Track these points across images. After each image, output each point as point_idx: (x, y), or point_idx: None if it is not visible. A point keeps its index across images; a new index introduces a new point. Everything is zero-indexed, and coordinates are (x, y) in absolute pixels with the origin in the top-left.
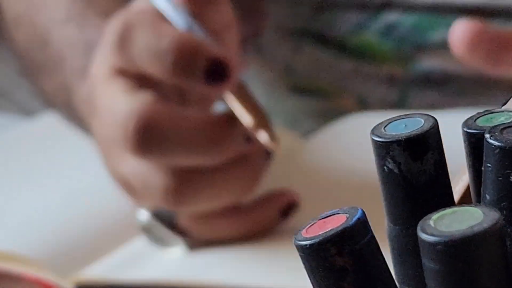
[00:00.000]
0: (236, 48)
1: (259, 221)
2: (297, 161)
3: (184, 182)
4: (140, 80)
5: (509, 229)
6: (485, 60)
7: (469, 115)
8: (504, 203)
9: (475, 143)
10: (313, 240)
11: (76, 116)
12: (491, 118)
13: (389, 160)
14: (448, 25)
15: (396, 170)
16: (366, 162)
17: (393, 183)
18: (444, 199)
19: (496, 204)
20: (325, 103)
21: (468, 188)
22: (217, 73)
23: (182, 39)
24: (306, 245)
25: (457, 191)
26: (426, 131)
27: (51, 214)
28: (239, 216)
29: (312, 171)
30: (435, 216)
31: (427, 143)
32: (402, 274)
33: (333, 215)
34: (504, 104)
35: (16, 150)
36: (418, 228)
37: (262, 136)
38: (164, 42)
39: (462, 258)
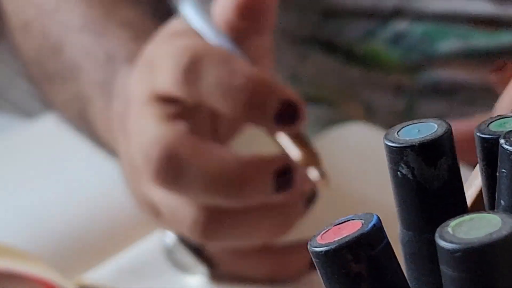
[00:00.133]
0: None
1: (288, 268)
2: None
3: (213, 217)
4: (178, 109)
5: None
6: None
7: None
8: None
9: (488, 148)
10: (328, 247)
11: (89, 128)
12: (504, 123)
13: (402, 165)
14: (458, 35)
15: (409, 176)
16: (366, 168)
17: (406, 188)
18: (457, 204)
19: (511, 209)
20: (332, 111)
21: (480, 193)
22: (287, 114)
23: (256, 78)
24: (321, 251)
25: (469, 195)
26: (440, 136)
27: (53, 214)
28: (268, 258)
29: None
30: (453, 223)
31: (441, 148)
32: (415, 280)
33: (348, 221)
34: None
35: (17, 151)
36: (436, 235)
37: (312, 173)
38: (237, 79)
39: (482, 265)
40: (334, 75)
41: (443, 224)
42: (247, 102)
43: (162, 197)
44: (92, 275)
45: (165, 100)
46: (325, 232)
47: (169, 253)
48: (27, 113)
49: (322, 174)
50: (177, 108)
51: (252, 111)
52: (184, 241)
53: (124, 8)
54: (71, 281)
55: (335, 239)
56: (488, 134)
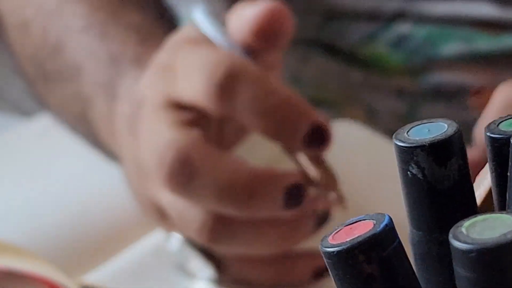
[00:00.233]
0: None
1: (293, 274)
2: None
3: (220, 223)
4: (191, 115)
5: None
6: None
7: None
8: None
9: (498, 148)
10: (340, 247)
11: (87, 129)
12: None
13: (413, 165)
14: (460, 38)
15: (420, 176)
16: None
17: (416, 188)
18: (467, 204)
19: None
20: (333, 114)
21: (489, 192)
22: (315, 137)
23: (290, 100)
24: (333, 252)
25: (478, 195)
26: (451, 136)
27: (52, 214)
28: (273, 263)
29: None
30: (466, 223)
31: (452, 148)
32: (424, 280)
33: (359, 221)
34: None
35: (13, 150)
36: (450, 235)
37: (329, 196)
38: (271, 99)
39: (496, 266)
40: (336, 78)
41: (456, 225)
42: (279, 123)
43: (171, 200)
44: (93, 276)
45: (180, 106)
46: (337, 232)
47: (174, 257)
48: (24, 112)
49: (339, 197)
50: (191, 115)
51: (283, 132)
52: (192, 243)
53: (130, 12)
54: (72, 282)
55: (347, 239)
56: (498, 134)
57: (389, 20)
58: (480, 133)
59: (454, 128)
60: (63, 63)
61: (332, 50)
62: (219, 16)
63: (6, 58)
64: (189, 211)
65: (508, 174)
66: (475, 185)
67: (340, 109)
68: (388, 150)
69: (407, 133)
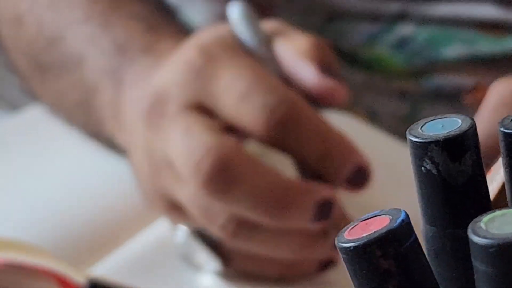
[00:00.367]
0: None
1: (298, 268)
2: None
3: (245, 223)
4: (223, 123)
5: None
6: None
7: None
8: None
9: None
10: (357, 242)
11: (88, 118)
12: None
13: (427, 160)
14: (462, 40)
15: (434, 171)
16: None
17: (430, 183)
18: (481, 199)
19: None
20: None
21: (502, 187)
22: (358, 177)
23: (341, 140)
24: (350, 247)
25: (491, 190)
26: (465, 131)
27: (52, 208)
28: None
29: None
30: (485, 218)
31: (466, 144)
32: (438, 276)
33: (375, 216)
34: None
35: (3, 144)
36: (469, 230)
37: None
38: (325, 141)
39: None
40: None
41: (475, 220)
42: (328, 162)
43: (194, 197)
44: (99, 268)
45: (209, 111)
46: (353, 227)
47: (181, 248)
48: (16, 107)
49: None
50: (222, 122)
51: (329, 169)
52: (199, 236)
53: (130, 3)
54: (79, 274)
55: (364, 235)
56: None
57: (391, 21)
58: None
59: (468, 124)
60: (61, 54)
61: (333, 51)
62: (255, 15)
63: None
64: (214, 207)
65: None
66: (487, 180)
67: (341, 110)
68: (389, 145)
69: (421, 129)
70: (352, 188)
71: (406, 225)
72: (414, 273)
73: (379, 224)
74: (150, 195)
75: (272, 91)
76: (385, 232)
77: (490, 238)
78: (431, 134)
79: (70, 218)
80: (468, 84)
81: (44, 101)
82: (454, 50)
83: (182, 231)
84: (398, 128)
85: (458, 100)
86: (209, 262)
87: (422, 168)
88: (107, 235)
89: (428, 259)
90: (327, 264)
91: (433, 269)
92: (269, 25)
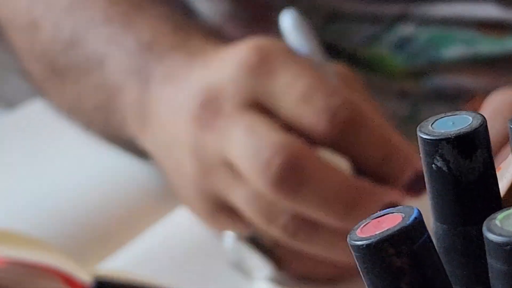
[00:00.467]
0: None
1: (351, 269)
2: None
3: (306, 222)
4: (281, 121)
5: None
6: None
7: None
8: None
9: None
10: (369, 240)
11: (107, 119)
12: None
13: (437, 158)
14: (463, 41)
15: (445, 168)
16: None
17: (441, 181)
18: (492, 197)
19: None
20: None
21: None
22: (416, 184)
23: (402, 146)
24: (362, 245)
25: (501, 187)
26: (476, 129)
27: (58, 203)
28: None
29: None
30: (500, 215)
31: (477, 141)
32: (449, 274)
33: (387, 214)
34: None
35: (1, 141)
36: (484, 228)
37: None
38: (387, 146)
39: None
40: None
41: (490, 217)
42: (389, 167)
43: (257, 197)
44: (106, 265)
45: (266, 110)
46: (365, 225)
47: (231, 255)
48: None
49: None
50: (281, 121)
51: (389, 174)
52: (252, 241)
53: (152, 5)
54: (85, 271)
55: (376, 232)
56: None
57: (391, 22)
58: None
59: (479, 121)
60: (81, 56)
61: (333, 51)
62: (305, 26)
63: None
64: (276, 208)
65: None
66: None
67: None
68: None
69: (431, 126)
70: (409, 193)
71: (419, 223)
72: (427, 271)
73: (392, 222)
74: (194, 197)
75: (334, 92)
76: (398, 230)
77: (506, 236)
78: (442, 131)
79: (70, 215)
80: (468, 85)
81: (61, 106)
82: (454, 50)
83: (230, 237)
84: (398, 129)
85: (458, 101)
86: (261, 268)
87: (433, 165)
88: (112, 231)
89: None
90: None
91: None
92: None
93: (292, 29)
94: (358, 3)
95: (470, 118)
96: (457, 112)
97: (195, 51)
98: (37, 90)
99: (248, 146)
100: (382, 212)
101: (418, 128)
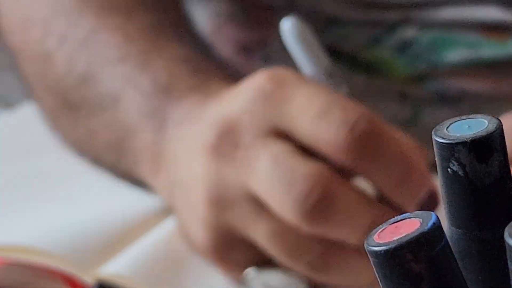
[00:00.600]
0: None
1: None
2: None
3: (330, 263)
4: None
5: None
6: None
7: None
8: None
9: None
10: (388, 246)
11: (118, 158)
12: None
13: (453, 162)
14: (465, 44)
15: (460, 172)
16: None
17: (457, 185)
18: (508, 201)
19: None
20: None
21: None
22: (428, 202)
23: (418, 164)
24: (380, 251)
25: None
26: (492, 132)
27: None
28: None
29: None
30: None
31: (493, 145)
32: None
33: (404, 219)
34: None
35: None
36: (506, 234)
37: None
38: (401, 163)
39: None
40: None
41: (511, 224)
42: (403, 186)
43: (277, 233)
44: (107, 269)
45: (284, 135)
46: (382, 230)
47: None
48: (9, 105)
49: None
50: (299, 145)
51: (402, 193)
52: (271, 278)
53: (169, 44)
54: (87, 275)
55: (394, 238)
56: None
57: (393, 24)
58: None
59: (495, 124)
60: (95, 92)
61: (334, 54)
62: (307, 33)
63: None
64: (302, 243)
65: None
66: None
67: None
68: None
69: (446, 129)
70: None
71: (437, 228)
72: (445, 277)
73: (410, 227)
74: (205, 235)
75: (351, 108)
76: (417, 236)
77: None
78: (458, 135)
79: (65, 218)
80: (470, 88)
81: (70, 140)
82: (456, 54)
83: (252, 276)
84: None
85: (459, 105)
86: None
87: (449, 169)
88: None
89: None
90: None
91: None
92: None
93: (294, 36)
94: (359, 9)
95: (486, 121)
96: (472, 116)
97: (213, 92)
98: (47, 120)
99: (277, 179)
100: (399, 217)
101: (433, 132)
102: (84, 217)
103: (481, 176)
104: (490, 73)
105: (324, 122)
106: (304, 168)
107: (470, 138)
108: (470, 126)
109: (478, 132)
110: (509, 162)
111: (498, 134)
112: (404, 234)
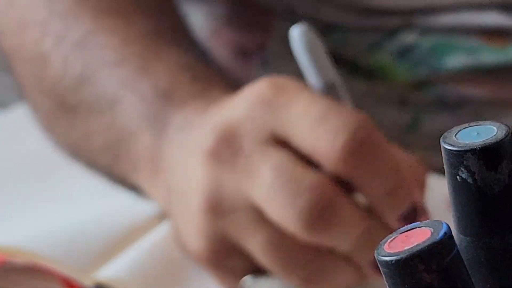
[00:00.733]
0: None
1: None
2: None
3: (322, 276)
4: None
5: None
6: None
7: None
8: None
9: None
10: (399, 256)
11: (113, 160)
12: None
13: (462, 169)
14: (466, 50)
15: (470, 180)
16: None
17: (466, 193)
18: None
19: None
20: None
21: None
22: (410, 215)
23: (404, 179)
24: (391, 261)
25: None
26: (502, 140)
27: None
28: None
29: None
30: None
31: (503, 152)
32: None
33: (414, 228)
34: None
35: None
36: None
37: None
38: (392, 175)
39: None
40: None
41: None
42: (388, 197)
43: (272, 244)
44: (105, 272)
45: (283, 142)
46: (392, 240)
47: None
48: (2, 105)
49: None
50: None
51: (387, 204)
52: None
53: (166, 46)
54: (86, 279)
55: (405, 248)
56: None
57: (393, 30)
58: None
59: (504, 131)
60: (92, 95)
61: (335, 59)
62: (316, 42)
63: None
64: (297, 256)
65: None
66: None
67: None
68: None
69: (455, 136)
70: (401, 224)
71: (449, 238)
72: (457, 286)
73: (421, 237)
74: (200, 242)
75: (350, 115)
76: (428, 245)
77: None
78: (467, 142)
79: (62, 221)
80: (471, 94)
81: (65, 143)
82: (457, 59)
83: (249, 284)
84: (399, 138)
85: (460, 110)
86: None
87: (457, 177)
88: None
89: None
90: None
91: None
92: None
93: (302, 44)
94: (359, 15)
95: (495, 128)
96: (481, 122)
97: (214, 100)
98: (41, 122)
99: (280, 190)
100: (409, 226)
101: (441, 139)
102: (81, 221)
103: (490, 184)
104: (490, 78)
105: (323, 127)
106: (306, 179)
107: (480, 146)
108: (479, 133)
109: (487, 139)
110: None
111: (507, 141)
112: (415, 244)
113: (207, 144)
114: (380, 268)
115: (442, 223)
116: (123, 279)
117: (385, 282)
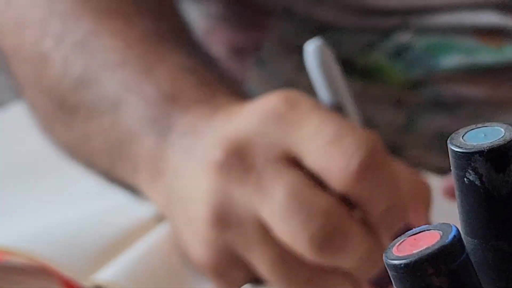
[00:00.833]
0: None
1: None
2: None
3: (327, 277)
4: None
5: None
6: None
7: None
8: None
9: None
10: (408, 259)
11: (112, 161)
12: None
13: (470, 171)
14: (462, 50)
15: (477, 182)
16: None
17: (473, 195)
18: None
19: None
20: None
21: None
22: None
23: (402, 201)
24: (401, 264)
25: None
26: (509, 141)
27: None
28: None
29: None
30: None
31: (510, 154)
32: None
33: (423, 231)
34: None
35: None
36: None
37: None
38: (394, 197)
39: None
40: None
41: None
42: (387, 217)
43: (276, 262)
44: (103, 274)
45: (294, 161)
46: (401, 243)
47: None
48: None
49: None
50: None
51: (384, 224)
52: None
53: (169, 49)
54: (85, 280)
55: (414, 251)
56: None
57: (389, 30)
58: None
59: None
60: (92, 96)
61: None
62: (330, 59)
63: None
64: (300, 274)
65: None
66: None
67: None
68: None
69: (462, 138)
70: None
71: (458, 241)
72: None
73: (430, 240)
74: (206, 252)
75: (362, 136)
76: (438, 249)
77: None
78: (474, 143)
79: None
80: (466, 94)
81: (63, 143)
82: (452, 59)
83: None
84: (394, 138)
85: (456, 110)
86: None
87: (465, 179)
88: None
89: None
90: None
91: None
92: None
93: (315, 60)
94: (354, 15)
95: (502, 130)
96: (488, 124)
97: (220, 106)
98: (39, 122)
99: (293, 212)
100: (418, 229)
101: (449, 141)
102: (80, 222)
103: (498, 186)
104: (486, 78)
105: (334, 151)
106: (319, 202)
107: (488, 147)
108: (486, 135)
109: (495, 141)
110: None
111: None
112: (424, 247)
113: (215, 155)
114: (389, 272)
115: (452, 226)
116: (121, 281)
117: (394, 286)
